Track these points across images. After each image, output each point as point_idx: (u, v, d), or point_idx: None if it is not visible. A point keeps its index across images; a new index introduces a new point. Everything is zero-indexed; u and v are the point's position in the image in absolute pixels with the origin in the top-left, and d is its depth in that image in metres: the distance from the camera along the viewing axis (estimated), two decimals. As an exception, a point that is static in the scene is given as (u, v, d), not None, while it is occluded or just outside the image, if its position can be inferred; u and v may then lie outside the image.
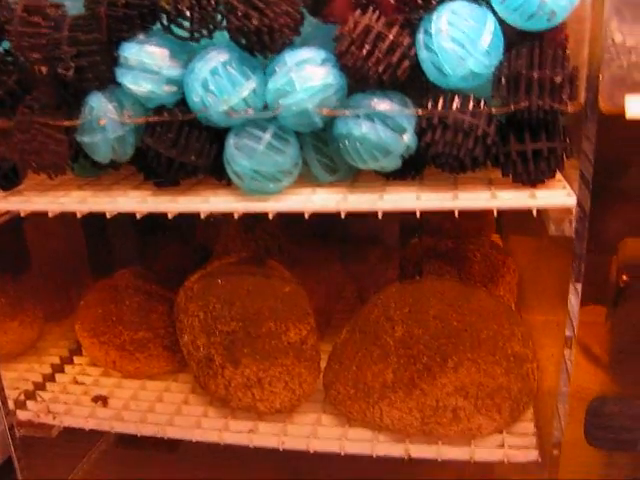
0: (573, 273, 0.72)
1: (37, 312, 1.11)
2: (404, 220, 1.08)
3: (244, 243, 1.05)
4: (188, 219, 1.15)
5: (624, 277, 1.08)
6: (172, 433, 0.93)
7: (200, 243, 1.17)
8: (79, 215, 0.83)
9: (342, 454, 0.86)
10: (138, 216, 0.81)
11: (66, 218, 1.11)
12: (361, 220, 1.07)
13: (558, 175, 0.74)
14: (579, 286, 0.73)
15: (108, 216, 0.82)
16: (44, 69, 0.80)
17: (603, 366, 1.11)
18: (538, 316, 0.96)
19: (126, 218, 1.12)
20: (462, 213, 1.11)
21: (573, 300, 0.75)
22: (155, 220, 1.06)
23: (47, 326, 1.16)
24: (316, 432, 0.89)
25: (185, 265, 1.03)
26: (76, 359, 1.11)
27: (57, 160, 0.82)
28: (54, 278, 1.17)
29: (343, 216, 0.75)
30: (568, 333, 0.78)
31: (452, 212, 0.74)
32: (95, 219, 1.10)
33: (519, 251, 1.10)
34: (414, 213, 0.75)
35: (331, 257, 1.09)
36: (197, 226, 1.19)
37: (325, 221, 1.09)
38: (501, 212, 1.17)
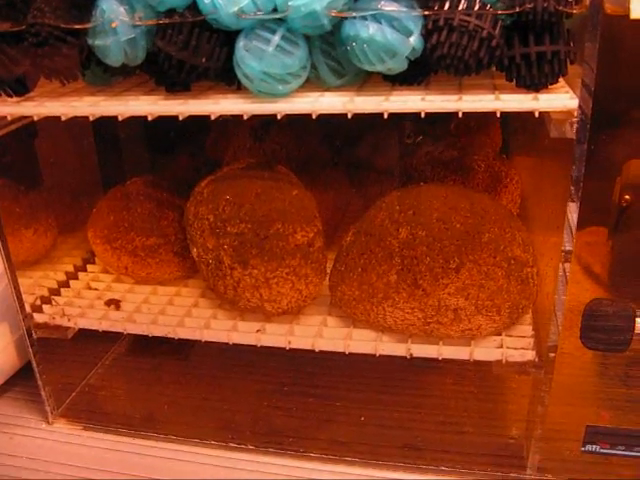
0: (572, 179, 0.74)
1: (51, 221, 1.14)
2: (410, 133, 1.10)
3: (253, 152, 1.07)
4: (199, 132, 1.18)
5: (627, 197, 1.10)
6: (182, 334, 0.96)
7: (210, 156, 1.19)
8: (91, 118, 0.84)
9: (347, 353, 0.90)
10: (150, 118, 0.82)
11: (78, 130, 1.14)
12: (368, 134, 1.11)
13: (561, 82, 0.75)
14: (579, 190, 0.75)
15: (120, 119, 0.83)
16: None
17: (603, 283, 1.14)
18: (540, 232, 0.98)
19: (138, 131, 1.15)
20: (469, 128, 1.13)
21: (572, 209, 0.77)
22: (166, 133, 1.09)
23: (61, 237, 1.19)
24: (322, 332, 0.93)
25: (194, 176, 1.05)
26: (89, 267, 1.15)
27: (69, 64, 0.83)
28: (67, 189, 1.19)
29: (350, 117, 0.76)
30: (567, 241, 0.79)
31: (458, 119, 0.76)
32: (107, 131, 1.13)
33: (523, 172, 1.12)
34: (421, 125, 0.77)
35: (338, 168, 1.11)
36: (207, 139, 1.21)
37: (333, 133, 1.12)
38: (508, 133, 1.20)
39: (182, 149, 1.19)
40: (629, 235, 1.11)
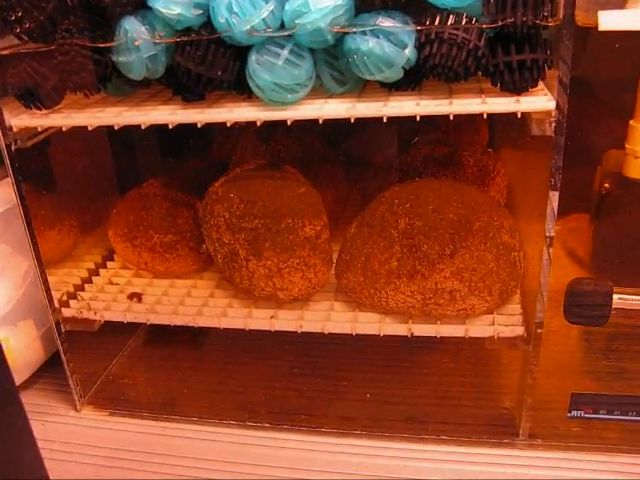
0: (551, 170, 0.82)
1: (72, 222, 1.22)
2: (403, 132, 1.19)
3: (259, 153, 1.16)
4: (203, 138, 1.26)
5: (606, 185, 1.17)
6: (202, 322, 1.04)
7: (216, 157, 1.28)
8: (116, 127, 0.91)
9: (353, 334, 0.98)
10: (170, 126, 0.90)
11: (94, 139, 1.21)
12: (365, 134, 1.19)
13: (540, 85, 0.84)
14: (558, 180, 0.83)
15: (143, 127, 0.91)
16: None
17: (586, 266, 1.22)
18: (526, 220, 1.06)
19: (149, 138, 1.22)
20: (458, 126, 1.22)
21: (552, 198, 0.85)
22: (173, 139, 1.16)
23: (80, 236, 1.27)
24: (330, 316, 1.01)
25: (203, 177, 1.13)
26: (109, 264, 1.23)
27: (94, 79, 0.91)
28: (84, 192, 1.27)
29: (352, 121, 0.85)
30: (549, 227, 0.87)
31: (447, 118, 0.84)
32: (119, 139, 1.20)
33: (508, 165, 1.20)
34: (413, 124, 0.85)
35: (337, 166, 1.20)
36: (211, 144, 1.29)
37: (332, 134, 1.20)
38: (493, 130, 1.28)
39: (190, 152, 1.26)
40: (609, 221, 1.18)
